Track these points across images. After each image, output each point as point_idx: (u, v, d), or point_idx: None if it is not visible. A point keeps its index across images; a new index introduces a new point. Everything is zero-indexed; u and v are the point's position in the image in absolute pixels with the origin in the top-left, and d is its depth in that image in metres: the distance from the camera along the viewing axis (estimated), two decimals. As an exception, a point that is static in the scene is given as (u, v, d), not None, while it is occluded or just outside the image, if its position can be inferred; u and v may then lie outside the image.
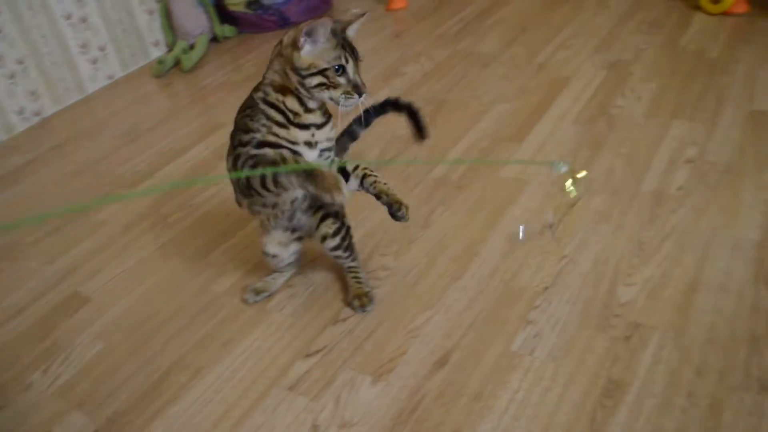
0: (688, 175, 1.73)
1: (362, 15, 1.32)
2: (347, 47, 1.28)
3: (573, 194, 1.25)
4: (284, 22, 3.30)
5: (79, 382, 1.47)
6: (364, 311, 1.50)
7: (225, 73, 2.96)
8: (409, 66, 2.65)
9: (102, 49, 3.02)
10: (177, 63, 3.12)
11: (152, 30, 3.21)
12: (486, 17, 2.99)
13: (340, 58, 1.25)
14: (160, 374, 1.45)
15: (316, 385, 1.35)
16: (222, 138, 2.36)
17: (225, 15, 3.35)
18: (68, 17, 2.86)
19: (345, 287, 1.57)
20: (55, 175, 2.38)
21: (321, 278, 1.63)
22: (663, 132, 1.92)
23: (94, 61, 3.01)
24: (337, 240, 1.49)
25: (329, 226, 1.48)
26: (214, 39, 3.32)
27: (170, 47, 3.25)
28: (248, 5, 3.25)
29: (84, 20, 2.92)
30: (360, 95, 1.27)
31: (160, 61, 3.04)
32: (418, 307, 1.49)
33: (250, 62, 3.02)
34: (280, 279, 1.62)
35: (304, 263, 1.67)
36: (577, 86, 2.26)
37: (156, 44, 3.25)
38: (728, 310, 1.35)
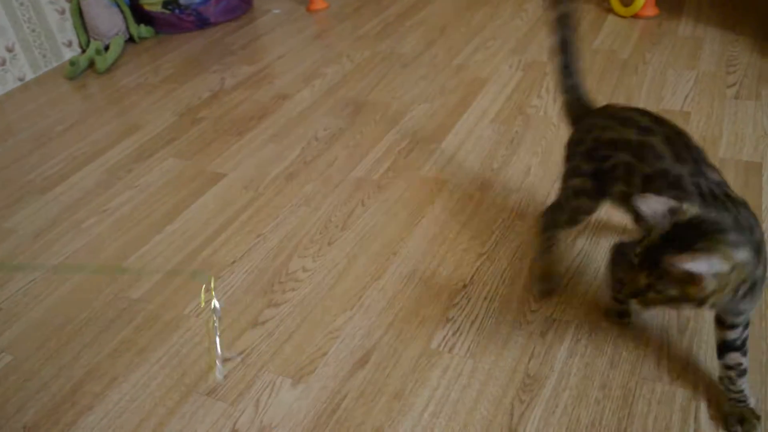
0: (600, 173, 1.78)
1: None
2: None
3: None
4: (202, 23, 3.25)
5: (-15, 397, 1.41)
6: None
7: (142, 74, 2.89)
8: (330, 67, 2.64)
9: (10, 50, 2.90)
10: (91, 64, 3.02)
11: (64, 30, 3.10)
12: (406, 18, 3.01)
13: None
14: (72, 384, 1.40)
15: (236, 389, 1.33)
16: (141, 139, 2.31)
17: (141, 15, 3.27)
18: (-27, 16, 2.74)
19: (263, 290, 1.55)
20: (-40, 181, 2.27)
21: (239, 281, 1.60)
22: (577, 131, 1.97)
23: (2, 63, 2.88)
24: None
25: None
26: (131, 39, 3.24)
27: (84, 48, 3.15)
28: (165, 5, 3.18)
29: (-10, 19, 2.80)
30: None
31: (72, 63, 2.94)
32: (338, 307, 1.48)
33: (168, 63, 2.95)
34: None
35: (219, 267, 1.65)
36: (495, 87, 2.30)
37: (69, 45, 3.15)
38: (638, 302, 1.39)
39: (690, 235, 0.96)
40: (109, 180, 2.11)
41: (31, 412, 1.35)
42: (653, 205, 0.99)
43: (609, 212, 1.59)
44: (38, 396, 1.39)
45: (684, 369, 1.25)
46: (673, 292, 0.97)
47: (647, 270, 0.99)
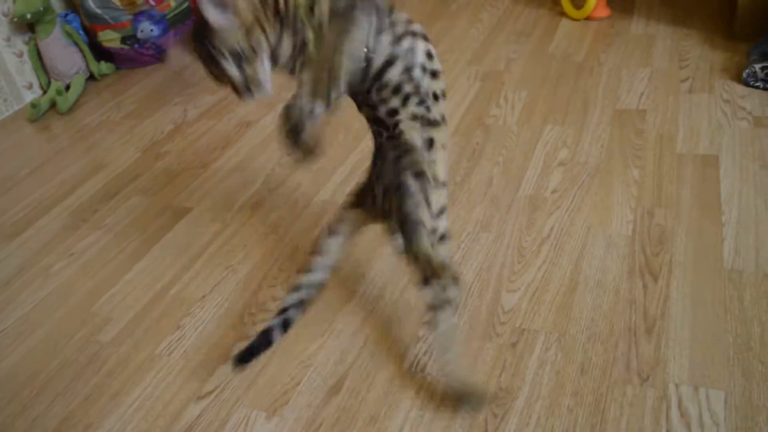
0: (561, 178, 1.80)
1: None
2: None
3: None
4: (162, 56, 3.25)
5: (-41, 455, 1.40)
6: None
7: (104, 112, 2.88)
8: (291, 90, 2.64)
9: (-31, 96, 2.89)
10: (53, 105, 3.01)
11: (23, 73, 3.09)
12: (364, 36, 3.02)
13: None
14: (47, 436, 1.39)
15: (210, 428, 1.32)
16: (105, 178, 2.30)
17: (101, 52, 3.26)
18: (-72, 67, 2.72)
19: (234, 324, 1.55)
20: (-74, 235, 2.25)
21: (209, 316, 1.60)
22: (536, 137, 1.99)
23: (-37, 110, 2.87)
24: None
25: None
26: (92, 77, 3.23)
27: (45, 89, 3.14)
28: (124, 41, 3.17)
29: (-54, 68, 2.79)
30: None
31: (33, 105, 2.92)
32: (310, 334, 1.49)
33: (130, 98, 2.94)
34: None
35: (189, 303, 1.64)
36: (454, 99, 2.32)
37: (29, 87, 3.13)
38: (606, 306, 1.41)
39: None
40: (75, 222, 2.10)
41: (7, 467, 1.34)
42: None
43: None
44: (13, 450, 1.38)
45: (653, 369, 1.26)
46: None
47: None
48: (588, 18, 2.68)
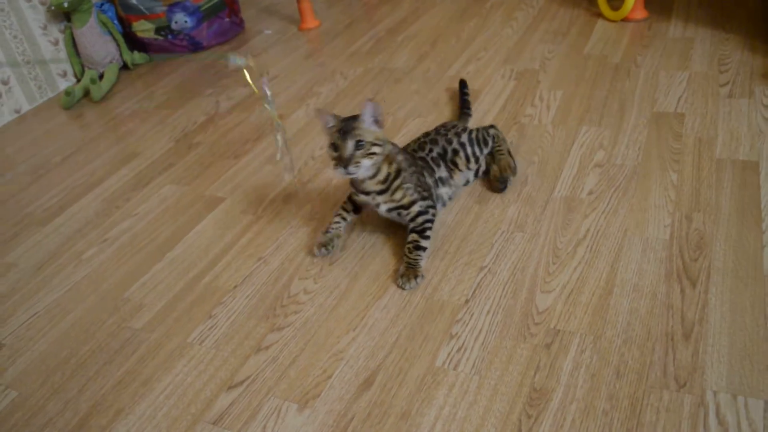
0: (597, 179, 1.78)
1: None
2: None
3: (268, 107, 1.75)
4: (195, 47, 3.27)
5: (-8, 435, 1.41)
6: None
7: (137, 101, 2.90)
8: (324, 85, 2.65)
9: (5, 83, 2.92)
10: (87, 93, 3.04)
11: (58, 61, 3.12)
12: (397, 33, 3.02)
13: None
14: (79, 419, 1.40)
15: (241, 417, 1.32)
16: (138, 167, 2.31)
17: (134, 42, 3.29)
18: (-34, 52, 2.75)
19: (265, 315, 1.55)
20: (-40, 217, 2.28)
21: (241, 306, 1.60)
22: (572, 138, 1.97)
23: (-2, 96, 2.90)
24: None
25: None
26: (125, 66, 3.25)
27: (78, 78, 3.17)
28: (157, 32, 3.19)
29: (-16, 54, 2.82)
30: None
31: (68, 93, 2.95)
32: (341, 329, 1.48)
33: (163, 89, 2.96)
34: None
35: (221, 293, 1.65)
36: (489, 97, 2.30)
37: (63, 75, 3.16)
38: (643, 309, 1.39)
39: None
40: (108, 209, 2.12)
41: (39, 449, 1.35)
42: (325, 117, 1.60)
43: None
44: (45, 432, 1.39)
45: (690, 375, 1.24)
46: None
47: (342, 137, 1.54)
48: (625, 19, 2.65)
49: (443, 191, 1.77)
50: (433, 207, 1.67)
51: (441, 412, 1.26)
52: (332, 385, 1.35)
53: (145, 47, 3.29)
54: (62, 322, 1.68)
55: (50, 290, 1.80)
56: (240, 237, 1.84)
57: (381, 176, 1.61)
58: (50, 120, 2.90)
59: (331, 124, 1.59)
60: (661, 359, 1.28)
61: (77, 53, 3.13)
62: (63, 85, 3.16)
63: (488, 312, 1.45)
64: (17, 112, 2.99)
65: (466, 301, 1.49)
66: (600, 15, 2.73)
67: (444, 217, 1.76)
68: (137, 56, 3.26)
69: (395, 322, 1.47)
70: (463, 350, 1.37)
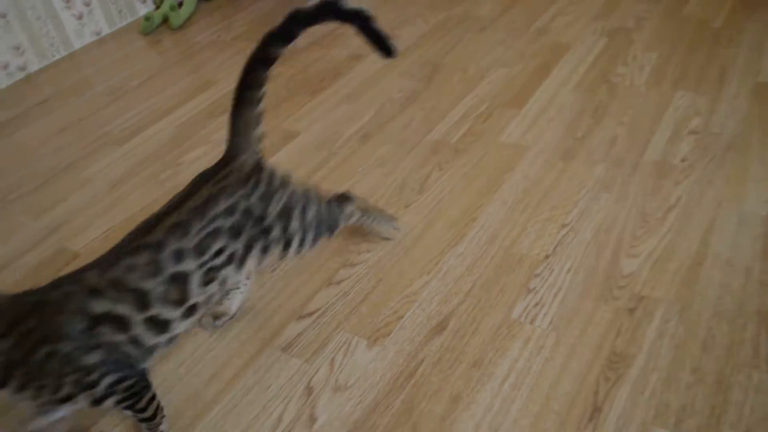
0: (692, 147, 1.69)
1: None
2: None
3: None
4: (277, -18, 3.21)
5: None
6: None
7: (215, 32, 2.88)
8: (404, 28, 2.58)
9: (87, 4, 2.92)
10: (165, 20, 3.03)
11: (140, -15, 3.11)
12: (484, -18, 2.92)
13: None
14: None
15: (310, 347, 1.31)
16: (213, 96, 2.30)
17: (216, -28, 3.25)
18: (53, -32, 2.76)
19: (338, 250, 1.53)
20: (41, 132, 2.29)
21: (315, 241, 1.58)
22: (666, 102, 1.88)
23: (80, 17, 2.90)
24: None
25: None
26: (204, -3, 3.23)
27: (158, 4, 3.16)
28: (240, -38, 3.15)
29: (69, -29, 2.82)
30: None
31: (147, 18, 2.94)
32: (415, 271, 1.45)
33: (240, 21, 2.93)
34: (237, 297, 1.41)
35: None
36: (577, 53, 2.21)
37: (143, 1, 3.15)
38: (735, 285, 1.32)
39: None
40: (183, 135, 2.11)
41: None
42: None
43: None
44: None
45: (783, 355, 1.18)
46: None
47: None
48: (729, -15, 2.51)
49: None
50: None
51: (515, 364, 1.22)
52: (403, 325, 1.33)
53: (226, -21, 3.26)
54: (134, 239, 1.68)
55: (125, 207, 1.81)
56: (314, 173, 1.81)
57: None
58: (129, 44, 2.90)
59: None
60: (753, 338, 1.22)
61: (159, -21, 3.12)
62: (142, 10, 3.15)
63: (569, 270, 1.40)
64: (97, 34, 2.99)
65: (546, 257, 1.44)
66: (701, -21, 2.59)
67: (526, 170, 1.70)
68: (217, -13, 3.23)
69: (471, 271, 1.43)
70: (540, 305, 1.33)
